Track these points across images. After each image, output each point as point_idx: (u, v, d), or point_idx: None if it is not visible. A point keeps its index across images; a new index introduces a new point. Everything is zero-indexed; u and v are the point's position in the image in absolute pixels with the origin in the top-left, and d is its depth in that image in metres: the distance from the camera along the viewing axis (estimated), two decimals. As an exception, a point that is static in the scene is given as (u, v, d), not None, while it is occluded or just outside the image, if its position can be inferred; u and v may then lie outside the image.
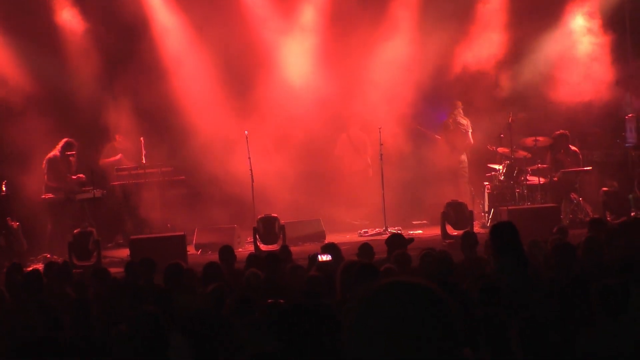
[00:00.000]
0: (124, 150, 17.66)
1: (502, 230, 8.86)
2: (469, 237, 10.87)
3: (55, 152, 16.39)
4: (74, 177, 16.43)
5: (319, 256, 9.94)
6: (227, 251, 11.19)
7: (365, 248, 10.58)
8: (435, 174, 18.31)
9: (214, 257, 11.68)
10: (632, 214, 15.68)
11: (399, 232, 14.28)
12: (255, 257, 11.00)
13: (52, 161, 16.34)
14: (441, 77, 18.46)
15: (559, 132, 17.43)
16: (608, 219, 14.95)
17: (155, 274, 10.29)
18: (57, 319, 7.68)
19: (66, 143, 16.44)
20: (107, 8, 17.62)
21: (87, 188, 16.16)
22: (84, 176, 16.47)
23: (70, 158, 16.45)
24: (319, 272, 8.84)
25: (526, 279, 8.55)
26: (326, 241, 16.28)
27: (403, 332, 2.56)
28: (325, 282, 8.34)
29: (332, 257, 10.01)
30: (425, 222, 17.82)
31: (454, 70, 18.39)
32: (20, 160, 16.47)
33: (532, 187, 17.00)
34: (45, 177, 16.27)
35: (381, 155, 16.88)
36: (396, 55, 18.41)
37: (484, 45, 18.26)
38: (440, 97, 18.94)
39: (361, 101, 18.49)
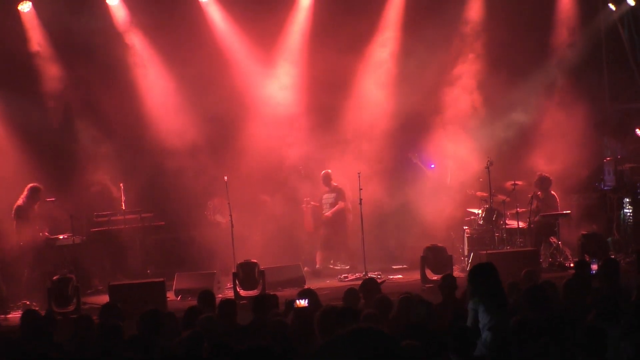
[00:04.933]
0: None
1: (480, 272, 8.82)
2: (448, 280, 10.85)
3: (23, 198, 16.18)
4: (40, 233, 16.20)
5: (297, 301, 9.85)
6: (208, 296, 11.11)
7: (351, 293, 10.47)
8: (418, 216, 18.27)
9: (193, 302, 11.56)
10: (612, 257, 15.68)
11: (374, 277, 14.21)
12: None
13: (19, 210, 16.11)
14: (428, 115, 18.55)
15: (539, 175, 17.48)
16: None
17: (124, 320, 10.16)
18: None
19: (31, 189, 16.23)
20: (87, 55, 17.61)
21: (67, 234, 16.05)
22: (46, 234, 16.31)
23: (37, 204, 16.21)
24: (296, 318, 8.76)
25: (507, 321, 8.54)
26: (306, 286, 16.25)
27: None
28: (302, 328, 8.27)
29: (309, 302, 9.91)
30: (405, 266, 17.77)
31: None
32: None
33: (512, 231, 17.03)
34: (14, 225, 16.07)
35: (360, 199, 16.83)
36: (380, 91, 18.73)
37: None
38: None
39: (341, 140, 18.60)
